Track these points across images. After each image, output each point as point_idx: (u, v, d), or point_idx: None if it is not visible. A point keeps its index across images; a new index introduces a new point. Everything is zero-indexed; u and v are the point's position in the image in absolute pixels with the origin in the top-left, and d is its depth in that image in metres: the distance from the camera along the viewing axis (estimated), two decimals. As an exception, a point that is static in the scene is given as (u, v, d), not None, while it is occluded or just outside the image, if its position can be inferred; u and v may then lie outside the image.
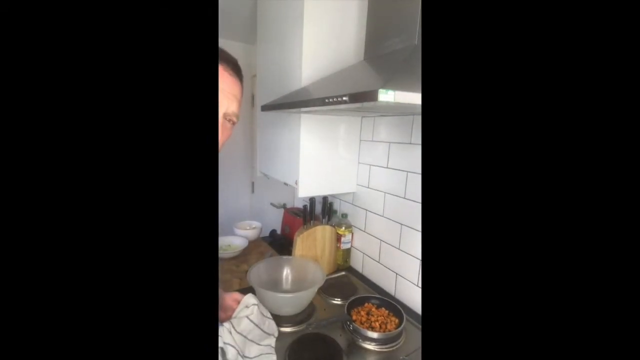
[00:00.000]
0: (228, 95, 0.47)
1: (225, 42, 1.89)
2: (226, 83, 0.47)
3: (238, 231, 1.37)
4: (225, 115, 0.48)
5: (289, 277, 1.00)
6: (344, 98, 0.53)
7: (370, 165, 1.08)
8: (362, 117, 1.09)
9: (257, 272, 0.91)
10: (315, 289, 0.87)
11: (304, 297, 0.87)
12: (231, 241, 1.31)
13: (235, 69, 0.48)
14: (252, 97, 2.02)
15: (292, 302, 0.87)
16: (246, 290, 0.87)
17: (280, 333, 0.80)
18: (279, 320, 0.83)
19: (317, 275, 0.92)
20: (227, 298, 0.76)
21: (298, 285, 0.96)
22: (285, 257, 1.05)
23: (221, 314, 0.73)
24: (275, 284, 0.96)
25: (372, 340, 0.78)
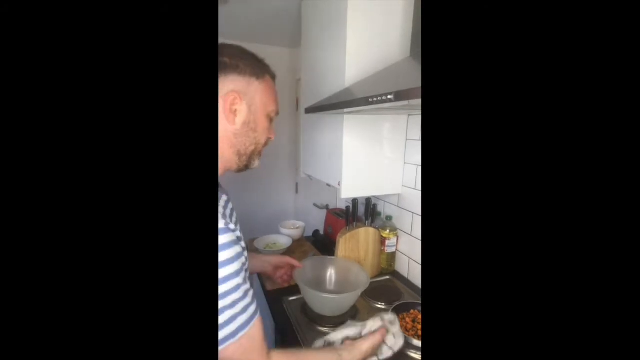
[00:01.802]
0: (276, 100, 0.56)
1: (271, 48, 1.97)
2: (274, 91, 0.55)
3: (283, 230, 1.41)
4: (275, 114, 0.56)
5: (333, 278, 1.00)
6: (389, 96, 0.52)
7: (417, 165, 1.03)
8: (409, 115, 1.04)
9: (303, 270, 0.92)
10: (359, 292, 0.85)
11: (348, 300, 0.87)
12: (277, 239, 1.36)
13: (274, 78, 0.56)
14: (297, 101, 2.07)
15: (335, 303, 0.86)
16: (291, 288, 0.90)
17: (322, 334, 0.80)
18: (321, 320, 0.84)
19: (361, 277, 0.90)
20: (275, 259, 0.83)
21: (341, 286, 0.96)
22: (329, 257, 1.05)
23: (273, 271, 0.78)
24: (319, 284, 0.97)
25: (418, 349, 0.74)
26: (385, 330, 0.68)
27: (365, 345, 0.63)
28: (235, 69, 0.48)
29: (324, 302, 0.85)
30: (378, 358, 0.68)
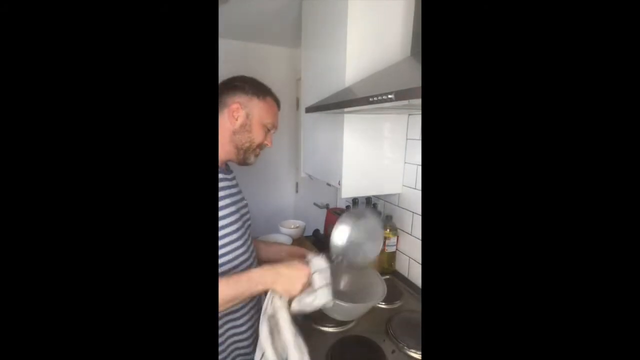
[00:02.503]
0: (273, 116, 0.73)
1: (271, 48, 1.97)
2: (272, 109, 0.72)
3: (283, 229, 1.42)
4: (272, 126, 0.73)
5: (348, 281, 0.93)
6: (390, 96, 0.51)
7: (417, 165, 1.03)
8: (409, 114, 1.04)
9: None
10: (371, 304, 0.81)
11: (358, 310, 0.81)
12: (276, 239, 1.36)
13: (277, 102, 0.74)
14: (297, 100, 2.07)
15: (345, 310, 0.79)
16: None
17: (322, 333, 0.80)
18: (322, 320, 0.84)
19: (378, 288, 0.83)
20: (291, 248, 0.87)
21: (355, 291, 0.88)
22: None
23: (289, 259, 0.70)
24: (333, 285, 0.85)
25: (418, 349, 0.74)
26: (308, 271, 0.61)
27: (268, 276, 0.59)
28: (242, 89, 0.68)
29: (335, 308, 0.75)
30: (292, 306, 0.59)
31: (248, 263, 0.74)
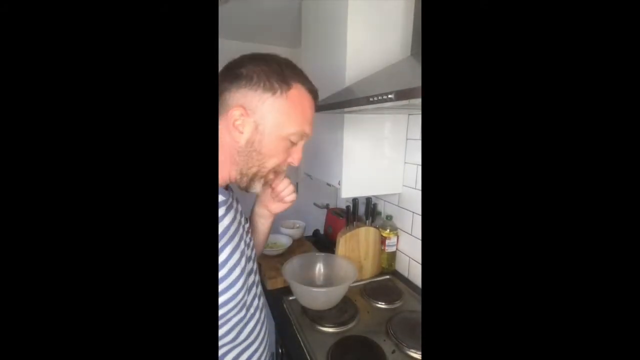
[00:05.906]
0: (301, 120, 0.47)
1: (271, 49, 1.97)
2: (299, 108, 0.46)
3: (283, 230, 1.41)
4: (299, 137, 0.48)
5: (322, 273, 1.03)
6: (390, 96, 0.52)
7: (418, 165, 1.03)
8: (409, 114, 1.04)
9: (292, 267, 0.95)
10: (347, 285, 0.88)
11: (336, 293, 0.89)
12: (277, 239, 1.36)
13: (315, 95, 0.50)
14: (297, 100, 2.07)
15: (324, 296, 0.88)
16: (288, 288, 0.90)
17: (322, 333, 0.80)
18: (321, 320, 0.84)
19: (349, 271, 0.93)
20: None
21: (331, 280, 0.99)
22: (317, 253, 1.07)
23: (268, 198, 0.74)
24: (309, 280, 1.00)
25: (418, 349, 0.74)
26: None
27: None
28: (249, 80, 0.42)
29: (313, 296, 0.87)
30: None
31: (248, 299, 0.52)
